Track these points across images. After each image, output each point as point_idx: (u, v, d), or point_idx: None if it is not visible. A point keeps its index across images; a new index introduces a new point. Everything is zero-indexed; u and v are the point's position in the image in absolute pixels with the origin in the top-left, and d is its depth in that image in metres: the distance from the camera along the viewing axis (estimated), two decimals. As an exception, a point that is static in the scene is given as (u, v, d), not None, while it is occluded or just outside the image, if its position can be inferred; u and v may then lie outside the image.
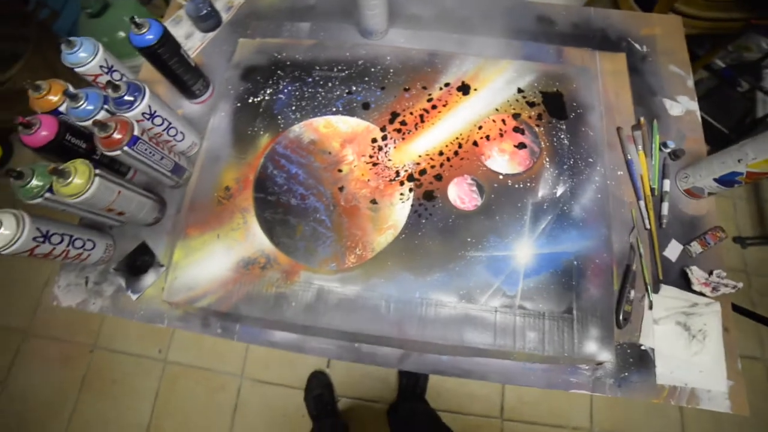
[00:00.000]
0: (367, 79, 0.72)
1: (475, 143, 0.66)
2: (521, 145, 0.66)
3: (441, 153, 0.65)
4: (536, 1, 0.83)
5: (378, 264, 0.59)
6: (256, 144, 0.67)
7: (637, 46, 0.78)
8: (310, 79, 0.72)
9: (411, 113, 0.68)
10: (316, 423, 1.24)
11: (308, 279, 0.59)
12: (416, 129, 0.67)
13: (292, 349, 0.61)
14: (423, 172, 0.64)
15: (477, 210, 0.62)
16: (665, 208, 0.64)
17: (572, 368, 0.58)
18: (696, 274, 0.59)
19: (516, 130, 0.67)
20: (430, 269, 0.59)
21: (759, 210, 1.52)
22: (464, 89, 0.70)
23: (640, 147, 0.68)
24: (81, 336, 1.41)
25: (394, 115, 0.68)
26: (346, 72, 0.72)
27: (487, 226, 0.61)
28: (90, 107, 0.55)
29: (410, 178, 0.64)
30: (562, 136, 0.67)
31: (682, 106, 0.73)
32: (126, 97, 0.54)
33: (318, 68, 0.73)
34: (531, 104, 0.69)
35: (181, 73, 0.66)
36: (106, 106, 0.56)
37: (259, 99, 0.71)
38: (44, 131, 0.51)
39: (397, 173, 0.64)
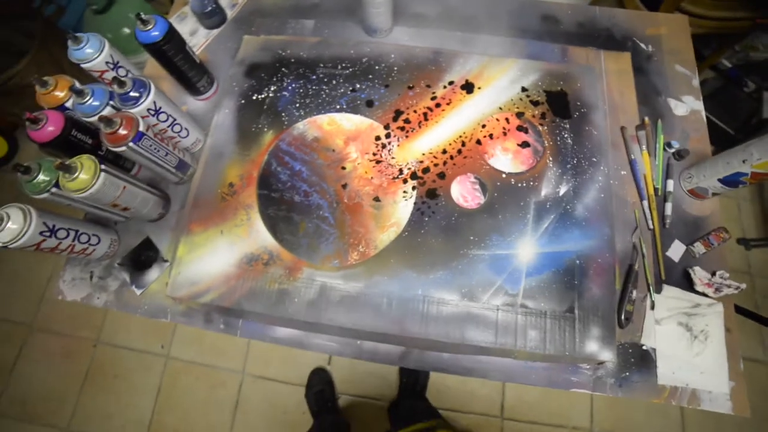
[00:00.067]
0: (371, 76, 0.72)
1: (478, 142, 0.66)
2: (524, 144, 0.66)
3: (444, 151, 0.66)
4: (541, 0, 0.83)
5: (380, 261, 0.59)
6: (260, 141, 0.67)
7: (643, 45, 0.77)
8: (314, 77, 0.72)
9: (415, 111, 0.68)
10: (317, 420, 1.24)
11: (311, 276, 0.59)
12: (420, 127, 0.67)
13: (294, 345, 0.61)
14: (426, 170, 0.64)
15: (480, 208, 0.62)
16: (668, 208, 0.64)
17: (573, 367, 0.58)
18: (699, 274, 0.59)
19: (519, 128, 0.67)
20: (432, 267, 0.59)
21: (764, 211, 1.52)
22: (468, 88, 0.70)
23: (644, 147, 0.68)
24: (84, 331, 1.42)
25: (398, 113, 0.68)
26: (351, 69, 0.72)
27: (490, 224, 0.61)
28: (96, 103, 0.55)
29: (413, 176, 0.64)
30: (566, 136, 0.66)
31: (687, 105, 0.72)
32: (131, 93, 0.54)
33: (322, 66, 0.73)
34: (535, 103, 0.69)
35: (186, 70, 0.66)
36: (111, 102, 0.56)
37: (263, 96, 0.71)
38: (51, 127, 0.51)
39: (401, 171, 0.64)
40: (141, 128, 0.53)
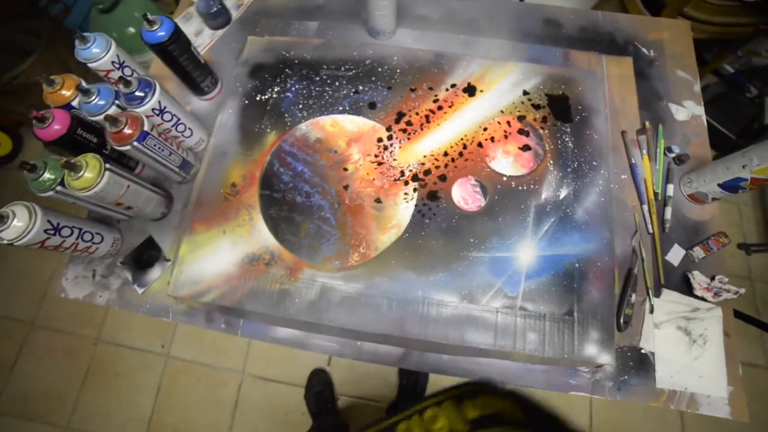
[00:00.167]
0: (374, 78, 0.72)
1: (479, 144, 0.66)
2: (525, 148, 0.66)
3: (446, 154, 0.66)
4: (544, 3, 0.84)
5: (381, 263, 0.60)
6: (263, 141, 0.68)
7: (645, 50, 0.78)
8: (317, 78, 0.73)
9: (417, 113, 0.69)
10: (316, 421, 1.25)
11: (312, 276, 0.59)
12: (422, 129, 0.68)
13: (294, 346, 0.61)
14: (428, 172, 0.65)
15: (480, 211, 0.62)
16: (668, 212, 0.64)
17: (572, 370, 0.58)
18: (698, 278, 0.59)
19: (521, 132, 0.67)
20: (432, 269, 0.59)
21: (765, 217, 1.52)
22: (470, 91, 0.70)
23: (644, 151, 0.68)
24: (85, 329, 1.42)
25: (400, 115, 0.69)
26: (354, 71, 0.73)
27: (490, 227, 0.61)
28: (101, 102, 0.56)
29: (415, 178, 0.64)
30: (567, 139, 0.67)
31: (688, 110, 0.73)
32: (137, 93, 0.55)
33: (325, 67, 0.74)
34: (536, 107, 0.69)
35: (191, 70, 0.67)
36: (117, 102, 0.57)
37: (266, 97, 0.71)
38: (57, 125, 0.52)
39: (402, 173, 0.65)
40: (146, 128, 0.53)
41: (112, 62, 0.60)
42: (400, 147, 0.67)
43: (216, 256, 0.61)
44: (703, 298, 0.60)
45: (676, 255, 0.63)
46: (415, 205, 0.63)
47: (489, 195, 0.63)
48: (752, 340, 1.34)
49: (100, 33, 0.60)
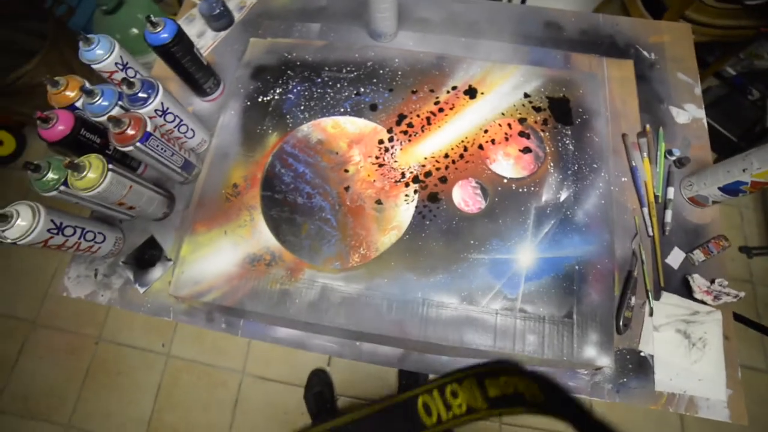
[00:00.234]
0: (375, 80, 0.72)
1: (480, 147, 0.67)
2: (526, 150, 0.66)
3: (446, 156, 0.66)
4: (545, 6, 0.84)
5: (381, 264, 0.60)
6: (265, 142, 0.68)
7: (645, 53, 0.78)
8: (319, 80, 0.73)
9: (418, 115, 0.69)
10: (316, 420, 1.25)
11: (312, 277, 0.60)
12: (423, 131, 0.68)
13: (294, 346, 0.62)
14: (428, 174, 0.65)
15: (480, 213, 0.63)
16: (669, 215, 0.64)
17: (571, 372, 0.58)
18: (698, 282, 0.59)
19: (521, 134, 0.67)
20: (432, 270, 0.59)
21: (766, 220, 1.51)
22: (471, 93, 0.71)
23: (645, 154, 0.68)
24: (86, 328, 1.43)
25: (401, 117, 0.69)
26: (355, 73, 0.73)
27: (491, 229, 0.61)
28: (105, 103, 0.56)
29: (415, 179, 0.65)
30: (567, 142, 0.67)
31: (689, 114, 0.73)
32: (140, 94, 0.55)
33: (327, 69, 0.74)
34: (537, 109, 0.69)
35: (193, 71, 0.67)
36: (120, 103, 0.57)
37: (268, 98, 0.72)
38: (61, 126, 0.52)
39: (403, 175, 0.65)
40: (148, 128, 0.54)
41: (116, 63, 0.61)
42: (401, 149, 0.67)
43: (217, 256, 0.61)
44: (702, 302, 0.60)
45: (676, 258, 0.63)
46: (416, 207, 0.63)
47: (489, 197, 0.63)
48: (752, 344, 1.34)
49: (103, 35, 0.60)
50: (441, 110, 0.70)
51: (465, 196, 0.64)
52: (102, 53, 0.59)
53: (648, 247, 0.63)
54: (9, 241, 0.47)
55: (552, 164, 0.65)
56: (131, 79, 0.55)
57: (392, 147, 0.67)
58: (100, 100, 0.56)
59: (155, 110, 0.57)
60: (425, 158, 0.66)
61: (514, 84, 0.71)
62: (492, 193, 0.64)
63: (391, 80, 0.72)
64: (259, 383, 1.35)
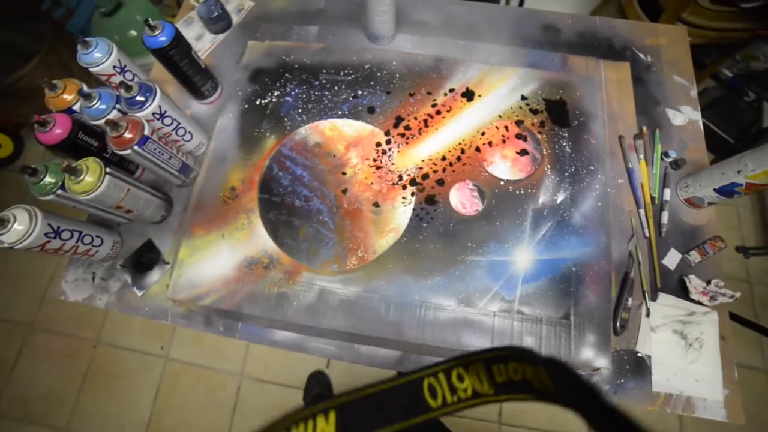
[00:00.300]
0: (373, 83, 0.73)
1: (477, 149, 0.67)
2: (523, 152, 0.67)
3: (444, 158, 0.66)
4: (542, 9, 0.84)
5: (379, 266, 0.60)
6: (262, 145, 0.68)
7: (642, 55, 0.78)
8: (316, 83, 0.73)
9: (415, 118, 0.69)
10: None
11: (310, 280, 0.60)
12: (420, 134, 0.68)
13: (292, 349, 0.62)
14: (425, 176, 0.65)
15: (478, 215, 0.63)
16: (665, 217, 0.64)
17: (569, 374, 0.58)
18: (694, 283, 0.60)
19: (518, 137, 0.68)
20: (430, 273, 0.59)
21: (763, 220, 1.52)
22: (468, 95, 0.71)
23: (641, 156, 0.68)
24: (84, 331, 1.42)
25: (399, 120, 0.69)
26: (353, 76, 0.74)
27: (488, 231, 0.62)
28: (103, 107, 0.56)
29: (413, 182, 0.65)
30: (564, 144, 0.67)
31: (685, 116, 0.73)
32: (138, 98, 0.55)
33: (325, 72, 0.74)
34: (534, 111, 0.70)
35: (191, 74, 0.67)
36: (118, 106, 0.57)
37: (266, 101, 0.72)
38: (58, 129, 0.53)
39: (400, 177, 0.65)
40: (146, 132, 0.54)
41: (114, 67, 0.61)
42: (398, 151, 0.67)
43: (215, 259, 0.61)
44: (699, 302, 0.60)
45: (672, 259, 0.63)
46: (413, 209, 0.63)
47: (486, 199, 0.64)
48: (749, 343, 1.34)
49: (102, 38, 0.60)
50: (438, 113, 0.70)
51: (462, 199, 0.64)
52: (100, 56, 0.59)
53: (645, 249, 0.63)
54: (6, 245, 0.47)
55: (549, 166, 0.66)
56: (129, 83, 0.55)
57: (390, 149, 0.67)
58: (97, 104, 0.56)
59: (153, 113, 0.57)
60: (422, 161, 0.66)
61: (512, 86, 0.72)
62: (489, 195, 0.64)
63: (388, 83, 0.73)
64: (258, 386, 1.35)
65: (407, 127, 0.69)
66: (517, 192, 0.64)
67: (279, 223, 0.63)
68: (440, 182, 0.65)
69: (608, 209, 0.63)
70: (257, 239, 0.62)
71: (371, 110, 0.70)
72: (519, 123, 0.69)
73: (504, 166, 0.66)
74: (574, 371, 0.22)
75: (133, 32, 1.30)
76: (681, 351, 0.58)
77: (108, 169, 0.52)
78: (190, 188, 0.69)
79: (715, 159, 1.51)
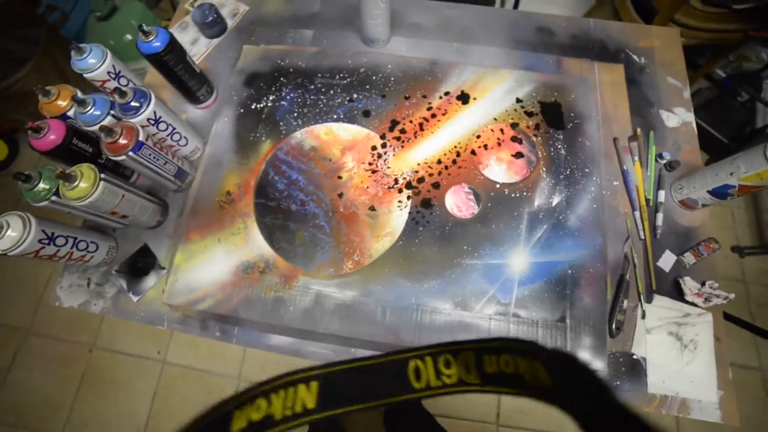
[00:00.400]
0: (368, 86, 0.73)
1: (473, 152, 0.67)
2: (519, 155, 0.67)
3: (439, 161, 0.67)
4: (537, 11, 0.85)
5: (375, 270, 0.60)
6: (258, 150, 0.68)
7: (636, 57, 0.79)
8: (312, 86, 0.73)
9: (411, 121, 0.70)
10: (311, 427, 1.24)
11: (306, 284, 0.60)
12: (415, 137, 0.68)
13: (289, 353, 0.62)
14: (421, 180, 0.65)
15: (473, 218, 0.63)
16: (660, 218, 0.65)
17: (565, 376, 0.58)
18: (689, 284, 0.60)
19: (514, 139, 0.68)
20: (426, 276, 0.59)
21: (758, 219, 1.53)
22: (463, 98, 0.71)
23: (636, 158, 0.69)
24: (81, 335, 1.42)
25: (394, 123, 0.69)
26: (348, 80, 0.74)
27: (484, 234, 0.62)
28: (97, 113, 0.56)
29: (408, 185, 0.65)
30: (559, 146, 0.68)
31: (679, 117, 0.74)
32: (132, 103, 0.55)
33: (320, 75, 0.74)
34: (529, 114, 0.70)
35: (186, 79, 0.67)
36: (112, 112, 0.57)
37: (261, 105, 0.72)
38: (52, 135, 0.52)
39: (396, 181, 0.65)
40: (141, 138, 0.54)
41: (108, 73, 0.61)
42: (393, 155, 0.67)
43: (211, 264, 0.61)
44: (694, 304, 0.60)
45: (667, 261, 0.63)
46: (409, 213, 0.63)
47: (482, 202, 0.64)
48: (744, 342, 1.35)
49: (96, 44, 0.60)
50: (434, 116, 0.70)
51: (458, 202, 0.64)
52: (94, 62, 0.59)
53: (640, 251, 0.64)
54: None
55: (544, 169, 0.66)
56: (123, 88, 0.55)
57: (385, 153, 0.67)
58: (91, 110, 0.56)
59: (148, 119, 0.57)
60: (418, 164, 0.66)
61: (507, 89, 0.72)
62: (485, 198, 0.64)
63: (383, 86, 0.73)
64: (256, 389, 1.34)
65: (403, 131, 0.69)
66: (513, 195, 0.64)
67: (275, 227, 0.63)
68: (436, 185, 0.65)
69: (603, 211, 0.64)
70: (253, 244, 0.62)
71: (366, 114, 0.70)
72: (514, 126, 0.69)
73: (499, 169, 0.66)
74: (582, 363, 0.21)
75: (129, 36, 1.29)
76: (676, 353, 0.58)
77: (103, 175, 0.52)
78: (185, 193, 0.69)
79: (710, 159, 1.52)
